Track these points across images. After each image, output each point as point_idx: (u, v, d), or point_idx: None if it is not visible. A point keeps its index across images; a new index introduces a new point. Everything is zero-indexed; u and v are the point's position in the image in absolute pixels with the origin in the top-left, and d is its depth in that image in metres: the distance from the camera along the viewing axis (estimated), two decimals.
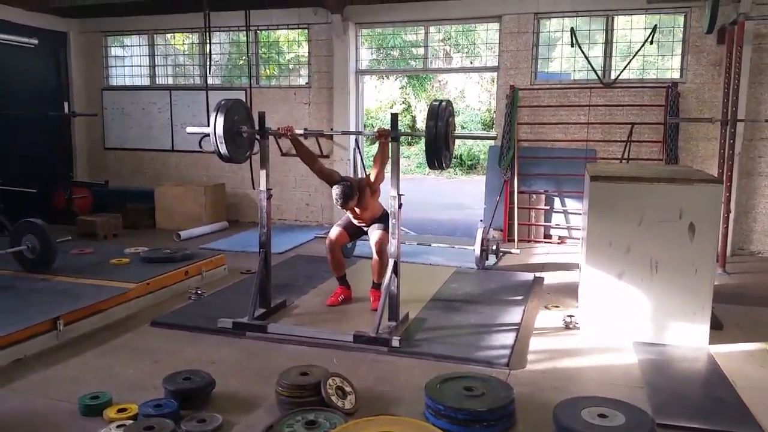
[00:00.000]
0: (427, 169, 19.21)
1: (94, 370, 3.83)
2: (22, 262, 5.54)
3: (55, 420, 3.19)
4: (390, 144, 4.37)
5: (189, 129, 5.02)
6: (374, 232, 4.89)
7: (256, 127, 4.68)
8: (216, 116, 4.33)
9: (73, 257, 6.11)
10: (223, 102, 4.44)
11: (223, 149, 4.40)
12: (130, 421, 3.07)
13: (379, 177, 4.67)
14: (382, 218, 4.92)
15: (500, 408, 3.02)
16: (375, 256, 4.87)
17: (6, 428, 3.14)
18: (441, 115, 4.01)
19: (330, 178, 4.91)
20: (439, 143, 4.02)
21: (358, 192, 4.71)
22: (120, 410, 3.17)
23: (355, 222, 5.05)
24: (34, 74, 9.12)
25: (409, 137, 19.40)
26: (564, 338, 4.44)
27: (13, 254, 5.53)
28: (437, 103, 4.09)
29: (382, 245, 4.78)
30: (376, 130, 4.41)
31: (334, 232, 5.07)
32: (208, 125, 4.43)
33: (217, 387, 3.43)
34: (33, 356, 4.00)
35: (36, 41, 8.56)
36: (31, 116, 8.50)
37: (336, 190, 4.68)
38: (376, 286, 4.97)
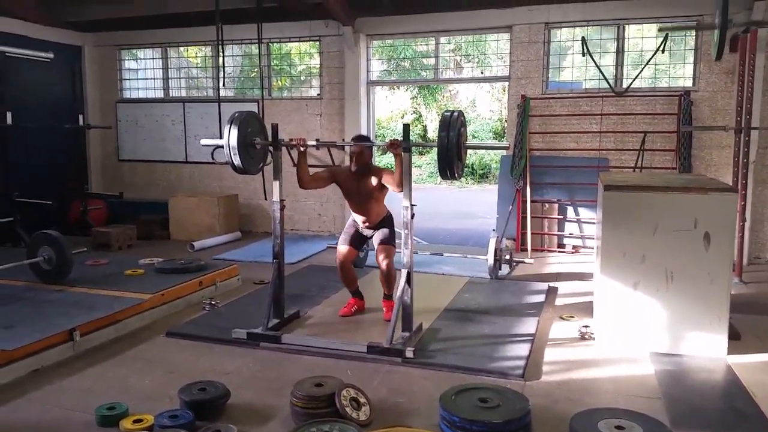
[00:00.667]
0: (439, 178, 19.25)
1: (109, 380, 3.86)
2: (39, 273, 5.60)
3: (72, 430, 3.21)
4: (402, 154, 4.37)
5: (203, 141, 5.07)
6: (379, 247, 4.82)
7: (269, 139, 4.70)
8: (230, 128, 4.36)
9: (88, 268, 6.16)
10: (236, 114, 4.47)
11: (236, 161, 4.42)
12: None
13: (399, 186, 4.40)
14: (387, 221, 4.88)
15: (516, 420, 3.00)
16: (382, 267, 4.82)
17: None
18: (453, 125, 4.01)
19: (328, 173, 4.85)
20: (451, 153, 4.02)
21: (372, 157, 4.76)
22: (136, 421, 3.19)
23: (360, 223, 4.92)
24: (49, 87, 9.24)
25: (421, 148, 19.42)
26: (579, 349, 4.41)
27: (29, 265, 5.59)
28: (449, 113, 4.09)
29: (387, 259, 4.76)
30: (387, 140, 4.41)
31: (342, 250, 4.95)
32: (222, 137, 4.47)
33: (231, 398, 3.43)
34: (49, 367, 4.03)
35: (51, 55, 8.69)
36: (47, 129, 8.60)
37: (356, 137, 4.83)
38: (388, 297, 4.97)
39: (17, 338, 4.05)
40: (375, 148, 5.45)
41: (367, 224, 4.92)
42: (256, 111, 8.65)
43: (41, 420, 3.34)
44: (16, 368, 3.86)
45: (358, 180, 4.74)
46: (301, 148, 4.59)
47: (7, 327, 4.34)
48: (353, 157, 4.71)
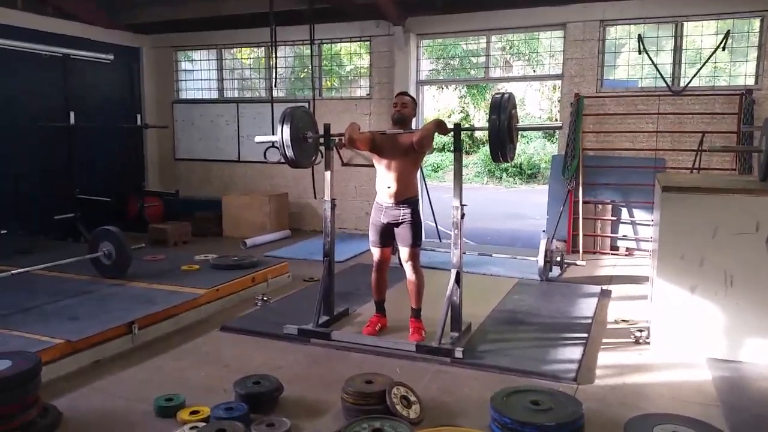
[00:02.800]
0: (486, 178, 19.14)
1: (167, 372, 3.98)
2: (99, 268, 5.81)
3: (132, 419, 3.33)
4: (453, 153, 4.35)
5: (258, 138, 5.25)
6: (404, 252, 4.47)
7: (319, 133, 4.81)
8: (282, 123, 4.49)
9: (146, 263, 6.35)
10: (288, 110, 4.59)
11: (289, 153, 4.54)
12: (203, 424, 3.17)
13: (421, 137, 4.23)
14: (412, 206, 4.44)
15: (569, 423, 2.96)
16: (409, 275, 4.49)
17: (88, 424, 3.30)
18: (504, 106, 3.96)
19: (370, 133, 4.58)
20: (503, 136, 3.96)
21: (414, 115, 4.53)
22: (193, 412, 3.28)
23: (386, 198, 4.42)
24: (109, 88, 9.58)
25: (467, 146, 19.31)
26: (634, 353, 4.31)
27: (91, 260, 5.81)
28: (499, 95, 4.04)
29: (414, 259, 4.46)
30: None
31: (376, 253, 4.61)
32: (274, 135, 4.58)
33: (284, 392, 3.50)
34: (110, 358, 4.19)
35: (111, 57, 9.01)
36: (106, 128, 8.92)
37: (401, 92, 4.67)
38: (416, 314, 4.55)
39: (80, 330, 4.22)
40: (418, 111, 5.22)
41: (392, 198, 4.39)
42: None
43: (103, 408, 3.47)
44: (80, 358, 4.03)
45: (395, 136, 4.40)
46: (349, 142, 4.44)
47: (71, 318, 4.53)
48: (396, 107, 4.47)
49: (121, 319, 4.47)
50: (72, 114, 8.00)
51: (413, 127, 4.60)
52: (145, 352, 4.34)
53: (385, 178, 4.43)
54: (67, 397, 3.57)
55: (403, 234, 4.42)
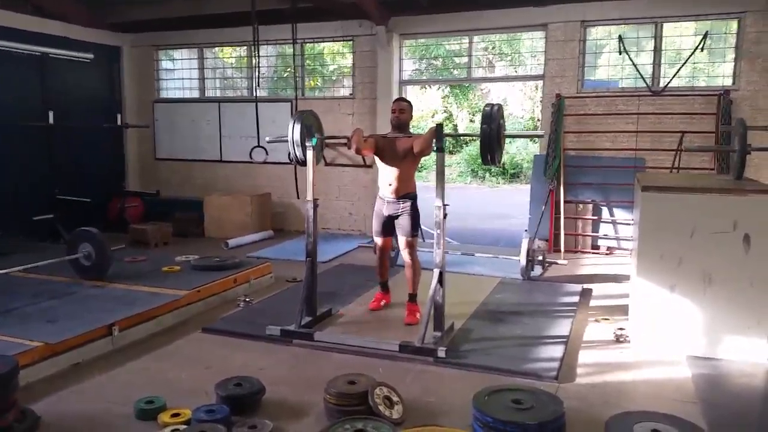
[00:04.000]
0: (469, 178, 19.20)
1: (148, 375, 3.95)
2: (79, 269, 5.74)
3: (111, 423, 3.30)
4: (436, 154, 4.41)
5: (268, 138, 5.46)
6: (403, 241, 4.94)
7: (324, 134, 5.02)
8: (293, 125, 4.69)
9: (126, 265, 6.30)
10: (297, 113, 4.80)
11: (299, 153, 4.75)
12: (184, 426, 3.15)
13: (421, 145, 4.62)
14: (411, 199, 4.89)
15: (550, 422, 2.98)
16: (406, 260, 4.96)
17: (67, 428, 3.26)
18: (494, 117, 4.22)
19: (373, 138, 4.94)
20: (493, 143, 4.23)
21: (411, 118, 4.92)
22: (174, 415, 3.26)
23: (387, 194, 4.87)
24: (89, 87, 9.47)
25: (451, 146, 19.35)
26: (614, 351, 4.36)
27: (69, 262, 5.74)
28: (489, 107, 4.28)
29: (411, 248, 4.91)
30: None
31: (378, 242, 5.13)
32: (258, 136, 4.60)
33: (266, 393, 3.48)
34: (90, 360, 4.14)
35: (91, 56, 8.92)
36: (86, 128, 8.81)
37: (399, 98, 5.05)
38: (412, 299, 4.99)
39: (59, 332, 4.17)
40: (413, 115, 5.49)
41: (393, 194, 4.85)
42: (290, 110, 8.80)
43: (82, 412, 3.43)
44: (58, 361, 3.98)
45: (395, 140, 4.83)
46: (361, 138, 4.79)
47: (49, 321, 4.47)
48: (395, 113, 4.89)
49: (101, 321, 4.42)
50: (51, 113, 7.89)
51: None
52: (125, 354, 4.29)
53: (387, 176, 4.89)
54: (45, 401, 3.52)
55: (402, 225, 4.91)
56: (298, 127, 4.70)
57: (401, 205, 4.87)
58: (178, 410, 3.30)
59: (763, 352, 4.07)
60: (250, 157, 7.62)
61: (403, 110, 4.87)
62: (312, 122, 4.87)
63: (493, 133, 4.19)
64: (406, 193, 4.86)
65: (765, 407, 3.55)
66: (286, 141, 4.76)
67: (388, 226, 5.02)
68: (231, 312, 5.24)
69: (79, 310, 4.74)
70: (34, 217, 7.80)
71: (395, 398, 3.36)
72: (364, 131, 4.92)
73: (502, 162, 4.58)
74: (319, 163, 5.13)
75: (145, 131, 9.87)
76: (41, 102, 8.21)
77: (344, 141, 4.96)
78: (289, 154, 4.83)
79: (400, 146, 4.79)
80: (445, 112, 21.15)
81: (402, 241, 4.95)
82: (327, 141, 5.19)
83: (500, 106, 4.35)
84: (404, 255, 4.98)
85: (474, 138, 19.33)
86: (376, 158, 4.95)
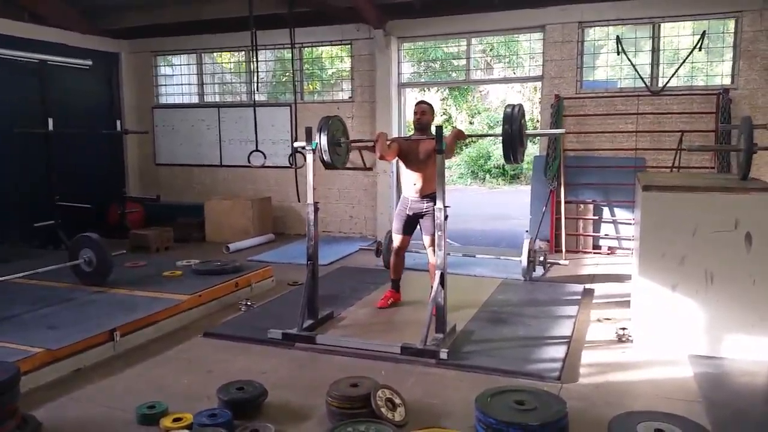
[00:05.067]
0: (469, 179, 19.20)
1: (149, 380, 3.94)
2: (80, 275, 5.74)
3: (113, 428, 3.29)
4: (436, 155, 4.41)
5: (296, 144, 5.48)
6: (428, 239, 5.06)
7: (349, 138, 5.12)
8: (321, 130, 4.71)
9: (127, 270, 6.29)
10: (324, 120, 4.82)
11: (326, 157, 4.77)
12: (186, 431, 3.14)
13: (450, 148, 4.74)
14: (434, 197, 4.79)
15: (553, 423, 2.97)
16: (431, 258, 4.97)
17: None
18: (515, 117, 4.23)
19: (395, 142, 5.14)
20: (515, 142, 4.25)
21: (433, 119, 5.08)
22: (176, 419, 3.24)
23: (412, 193, 5.09)
24: (88, 94, 9.48)
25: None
26: (617, 351, 4.35)
27: (71, 267, 5.74)
28: (510, 108, 4.29)
29: (435, 246, 4.87)
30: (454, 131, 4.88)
31: (398, 239, 5.28)
32: (256, 140, 4.59)
33: (268, 397, 3.48)
34: (91, 366, 4.13)
35: (90, 62, 8.92)
36: (86, 134, 8.80)
37: (420, 101, 5.15)
38: None
39: (60, 338, 4.16)
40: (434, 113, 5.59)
41: (418, 193, 5.08)
42: (289, 115, 8.82)
43: (84, 418, 3.42)
44: (59, 367, 3.97)
45: (418, 142, 5.00)
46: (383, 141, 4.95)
47: (50, 327, 4.46)
48: (416, 115, 5.06)
49: (102, 327, 4.41)
50: (51, 120, 7.88)
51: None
52: (126, 359, 4.28)
53: (410, 177, 5.11)
54: (46, 407, 3.51)
55: (426, 224, 5.08)
56: (325, 133, 4.74)
57: (425, 204, 5.03)
58: (180, 415, 3.28)
59: (765, 350, 4.05)
60: (248, 161, 7.65)
61: (424, 112, 5.04)
62: (339, 127, 4.95)
63: (515, 133, 4.24)
64: (430, 192, 4.95)
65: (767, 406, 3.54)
66: (313, 150, 4.78)
67: (410, 225, 5.21)
68: (232, 316, 5.23)
69: (80, 316, 4.73)
70: (35, 223, 7.79)
71: (398, 400, 3.36)
72: (364, 135, 4.96)
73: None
74: (344, 166, 5.21)
75: (144, 137, 9.89)
76: (41, 109, 8.21)
77: (342, 142, 4.95)
78: (289, 158, 4.87)
79: (423, 148, 4.96)
80: (444, 114, 21.15)
81: (426, 239, 5.10)
82: (352, 145, 5.38)
83: (521, 106, 4.37)
84: (429, 252, 5.07)
85: (481, 138, 19.46)
86: (399, 161, 5.13)
